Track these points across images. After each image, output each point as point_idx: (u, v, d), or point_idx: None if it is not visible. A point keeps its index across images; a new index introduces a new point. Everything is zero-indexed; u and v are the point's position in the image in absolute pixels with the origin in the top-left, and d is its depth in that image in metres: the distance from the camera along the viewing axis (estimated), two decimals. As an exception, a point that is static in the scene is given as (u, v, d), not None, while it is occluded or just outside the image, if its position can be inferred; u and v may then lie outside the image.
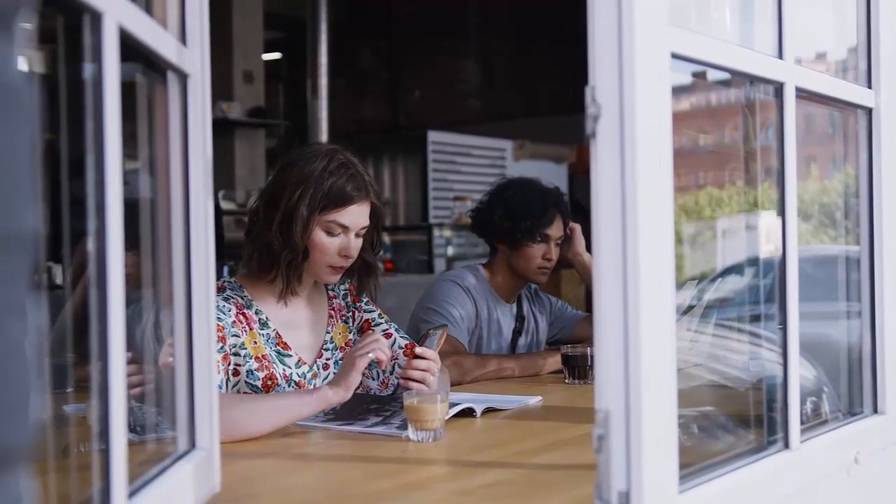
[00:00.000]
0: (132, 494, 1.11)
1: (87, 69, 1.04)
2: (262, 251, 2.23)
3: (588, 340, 3.01)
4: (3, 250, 0.54)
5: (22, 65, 0.57)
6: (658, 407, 1.21)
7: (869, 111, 1.84)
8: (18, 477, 0.55)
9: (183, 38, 1.37)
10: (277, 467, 1.79)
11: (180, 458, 1.35)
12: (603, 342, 1.20)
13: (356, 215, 2.23)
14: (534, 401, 2.38)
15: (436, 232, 7.60)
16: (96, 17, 1.01)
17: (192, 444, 1.40)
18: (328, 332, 2.38)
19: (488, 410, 2.21)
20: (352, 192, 2.21)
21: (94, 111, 1.03)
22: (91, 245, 1.03)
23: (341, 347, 2.39)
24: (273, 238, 2.19)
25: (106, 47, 1.02)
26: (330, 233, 2.22)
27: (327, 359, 2.36)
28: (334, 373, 2.32)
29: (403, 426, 1.93)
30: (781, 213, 1.56)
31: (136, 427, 1.41)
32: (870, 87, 1.84)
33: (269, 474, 1.73)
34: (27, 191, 0.56)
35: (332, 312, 2.41)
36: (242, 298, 2.23)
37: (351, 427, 1.98)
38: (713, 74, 1.57)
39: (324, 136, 8.36)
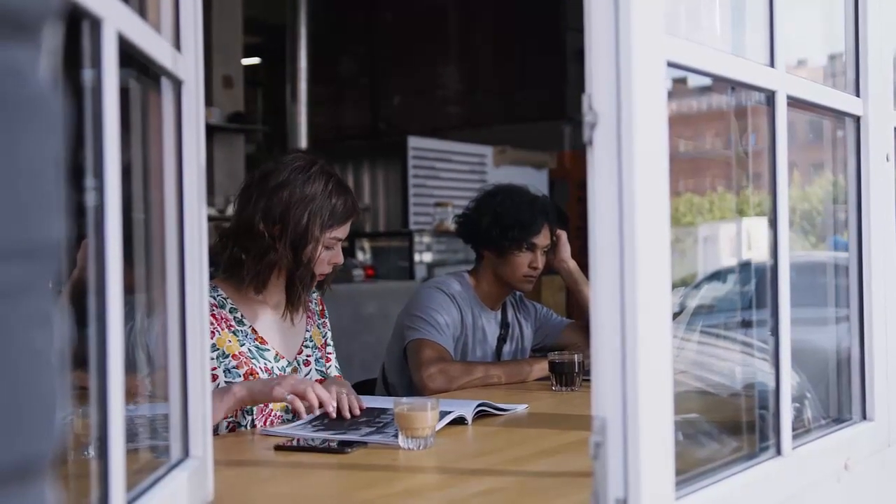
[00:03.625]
0: (129, 504, 1.10)
1: (86, 75, 1.03)
2: (269, 268, 2.29)
3: (573, 347, 3.01)
4: (30, 260, 0.54)
5: (48, 74, 0.57)
6: (655, 414, 1.21)
7: (857, 119, 1.86)
8: (45, 486, 0.55)
9: (177, 44, 1.36)
10: (270, 476, 1.78)
11: (174, 467, 1.34)
12: (600, 350, 1.20)
13: (349, 228, 2.37)
14: (521, 408, 2.38)
15: (416, 238, 7.57)
16: (96, 24, 1.00)
17: (186, 453, 1.39)
18: (308, 331, 2.46)
19: (480, 414, 2.22)
20: (351, 210, 2.35)
21: (93, 117, 1.02)
22: (90, 251, 1.02)
23: (319, 347, 2.48)
24: (282, 258, 2.27)
25: (105, 53, 1.01)
26: (327, 247, 2.33)
27: (307, 355, 2.44)
28: (316, 369, 2.44)
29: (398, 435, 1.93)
30: (773, 219, 1.56)
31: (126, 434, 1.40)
32: (857, 95, 1.86)
33: (262, 483, 1.72)
34: (54, 200, 0.55)
35: (310, 313, 2.50)
36: (215, 298, 2.26)
37: (344, 436, 1.97)
38: (693, 81, 1.58)
39: (303, 142, 8.35)
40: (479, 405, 2.22)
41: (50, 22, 0.57)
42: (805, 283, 2.16)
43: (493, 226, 3.04)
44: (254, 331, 2.32)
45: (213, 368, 2.19)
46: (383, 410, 2.20)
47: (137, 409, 1.50)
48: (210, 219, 6.53)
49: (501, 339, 3.17)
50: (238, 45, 7.88)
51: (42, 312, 0.55)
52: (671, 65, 1.28)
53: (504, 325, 3.19)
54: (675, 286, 2.28)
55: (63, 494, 1.24)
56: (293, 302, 2.33)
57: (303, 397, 2.05)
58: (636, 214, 1.18)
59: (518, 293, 3.24)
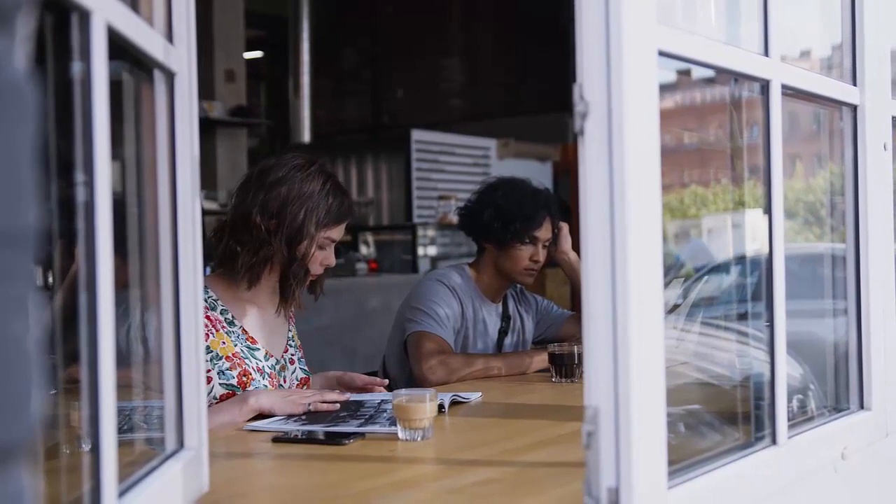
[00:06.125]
0: (122, 494, 1.11)
1: (75, 67, 1.03)
2: (263, 263, 2.31)
3: (574, 339, 3.01)
4: (6, 246, 0.54)
5: (22, 63, 0.57)
6: (647, 403, 1.21)
7: (854, 108, 1.85)
8: (21, 473, 0.55)
9: (170, 36, 1.37)
10: (266, 467, 1.79)
11: (169, 457, 1.35)
12: (592, 339, 1.20)
13: (343, 230, 2.40)
14: (474, 397, 2.40)
15: (420, 231, 7.58)
16: (84, 16, 1.00)
17: (181, 444, 1.39)
18: (290, 331, 2.50)
19: (454, 403, 2.27)
20: (348, 212, 2.37)
21: (82, 110, 1.02)
22: (80, 246, 1.02)
23: (299, 346, 2.52)
24: (276, 253, 2.29)
25: (94, 46, 1.01)
26: (321, 247, 2.35)
27: (292, 354, 2.48)
28: (300, 368, 2.48)
29: (393, 423, 1.93)
30: (768, 210, 1.56)
31: (122, 427, 1.41)
32: (854, 84, 1.85)
33: (258, 474, 1.72)
34: (29, 188, 0.56)
35: (291, 315, 2.52)
36: (206, 300, 2.27)
37: (336, 428, 1.98)
38: (697, 72, 1.58)
39: (306, 136, 8.35)
40: (452, 400, 2.26)
41: (25, 11, 0.57)
42: (808, 275, 2.16)
43: (495, 218, 3.04)
44: (244, 331, 2.34)
45: (208, 371, 2.21)
46: (361, 403, 2.23)
47: (137, 402, 1.50)
48: (212, 213, 6.55)
49: (503, 332, 3.17)
50: (240, 39, 7.88)
51: (19, 299, 0.55)
52: (663, 54, 1.28)
53: (505, 317, 3.19)
54: (678, 278, 2.28)
55: (59, 486, 1.24)
56: (287, 297, 2.35)
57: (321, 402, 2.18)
58: (627, 204, 1.18)
59: (519, 285, 3.24)
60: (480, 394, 2.44)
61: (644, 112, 1.22)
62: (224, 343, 2.27)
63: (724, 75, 1.63)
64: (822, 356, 2.01)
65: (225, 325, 2.30)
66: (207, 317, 2.26)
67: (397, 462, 1.77)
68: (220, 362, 2.25)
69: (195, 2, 1.45)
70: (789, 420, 1.59)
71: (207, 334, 2.24)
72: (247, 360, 2.29)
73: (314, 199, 2.30)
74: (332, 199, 2.33)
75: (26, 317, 0.56)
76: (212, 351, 2.24)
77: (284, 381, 2.39)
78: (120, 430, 1.19)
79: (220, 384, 2.24)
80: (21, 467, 0.55)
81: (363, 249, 7.58)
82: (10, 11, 0.55)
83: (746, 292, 1.96)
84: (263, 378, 2.31)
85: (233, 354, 2.27)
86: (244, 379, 2.26)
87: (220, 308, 2.32)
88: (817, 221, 2.18)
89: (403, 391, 1.98)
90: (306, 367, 2.51)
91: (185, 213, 1.39)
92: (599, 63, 1.19)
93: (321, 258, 2.35)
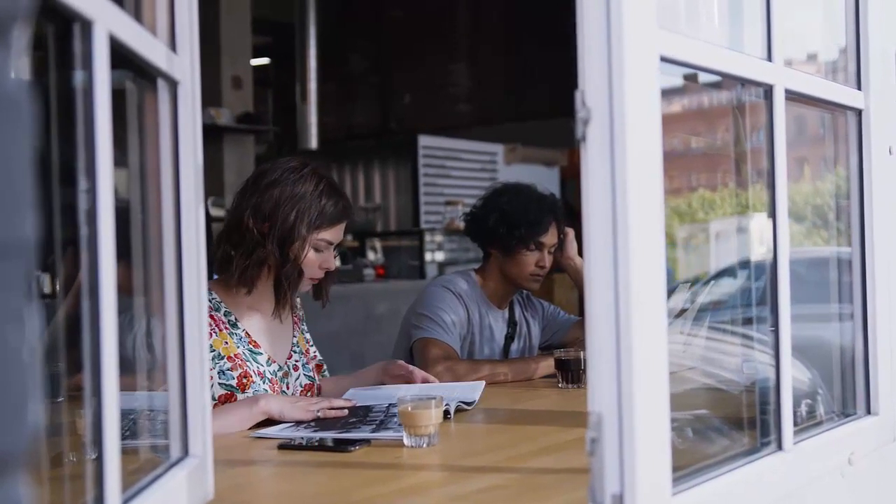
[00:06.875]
0: (126, 502, 1.11)
1: (78, 76, 1.03)
2: (257, 266, 2.30)
3: (580, 344, 3.01)
4: (3, 257, 0.54)
5: (19, 73, 0.57)
6: (651, 409, 1.21)
7: (858, 112, 1.85)
8: (17, 483, 0.55)
9: (173, 45, 1.37)
10: (271, 475, 1.79)
11: (173, 465, 1.35)
12: (595, 345, 1.20)
13: (341, 232, 2.39)
14: (479, 389, 2.42)
15: (427, 237, 7.57)
16: (87, 25, 1.01)
17: (185, 452, 1.39)
18: (294, 337, 2.50)
19: (459, 410, 2.26)
20: (342, 213, 2.36)
21: (84, 119, 1.02)
22: (83, 254, 1.02)
23: (304, 352, 2.51)
24: (269, 256, 2.29)
25: (96, 55, 1.02)
26: (317, 249, 2.34)
27: (296, 361, 2.47)
28: (304, 374, 2.47)
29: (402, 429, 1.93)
30: (772, 214, 1.56)
31: (125, 433, 1.41)
32: (859, 88, 1.85)
33: (263, 481, 1.72)
34: (26, 198, 0.56)
35: (296, 320, 2.53)
36: (210, 301, 2.28)
37: (347, 434, 1.98)
38: (704, 77, 1.58)
39: (313, 142, 8.35)
40: (457, 407, 2.25)
41: (21, 22, 0.57)
42: (816, 279, 2.15)
43: (500, 224, 3.04)
44: (247, 334, 2.34)
45: (209, 370, 2.22)
46: (369, 409, 2.23)
47: (141, 395, 1.50)
48: (220, 220, 6.52)
49: (509, 338, 3.17)
50: (247, 46, 7.88)
51: (15, 309, 0.55)
52: (665, 59, 1.28)
53: (511, 323, 3.19)
54: (685, 282, 2.27)
55: (63, 494, 1.25)
56: (279, 300, 2.35)
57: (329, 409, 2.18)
58: (629, 210, 1.18)
59: (525, 291, 3.24)
60: (483, 382, 2.46)
61: (646, 117, 1.22)
62: (227, 343, 2.28)
63: (729, 80, 1.63)
64: (830, 360, 2.01)
65: (228, 326, 2.31)
66: (211, 316, 2.27)
67: (403, 469, 1.77)
68: (222, 362, 2.26)
69: (201, 9, 1.46)
70: (797, 425, 1.58)
71: (210, 333, 2.24)
72: (248, 363, 2.30)
73: (306, 200, 2.29)
74: (325, 200, 2.32)
75: (23, 327, 0.56)
76: (214, 350, 2.25)
77: (287, 388, 2.39)
78: (123, 437, 1.19)
79: (219, 384, 2.24)
80: (18, 477, 0.55)
81: (371, 255, 7.58)
82: (7, 23, 0.55)
83: (754, 297, 1.96)
84: (264, 382, 2.31)
85: (234, 355, 2.28)
86: (244, 381, 2.26)
87: (224, 310, 2.32)
88: (825, 225, 2.17)
89: (408, 397, 1.98)
90: (312, 374, 2.51)
91: (189, 222, 1.39)
92: (601, 69, 1.19)
93: (319, 261, 2.35)
